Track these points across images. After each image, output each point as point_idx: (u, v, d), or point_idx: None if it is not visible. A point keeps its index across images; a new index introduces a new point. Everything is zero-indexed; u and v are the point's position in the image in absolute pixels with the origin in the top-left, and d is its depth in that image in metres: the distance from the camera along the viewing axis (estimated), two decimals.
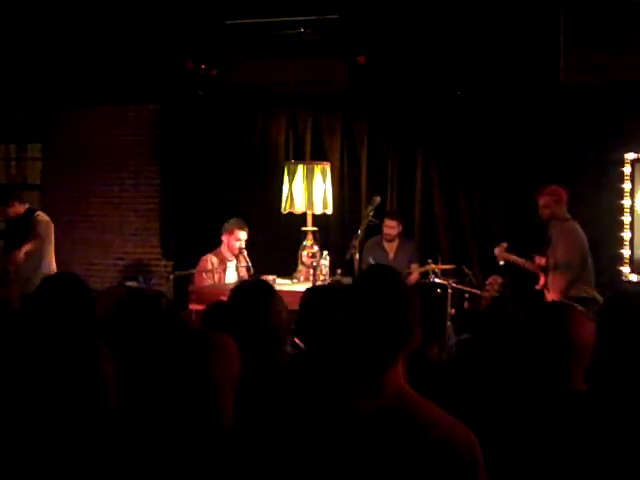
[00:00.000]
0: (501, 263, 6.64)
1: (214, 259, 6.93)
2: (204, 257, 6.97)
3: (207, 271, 6.85)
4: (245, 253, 6.89)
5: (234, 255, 6.97)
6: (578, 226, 6.28)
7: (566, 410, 2.34)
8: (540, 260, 6.44)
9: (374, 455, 1.84)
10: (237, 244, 6.91)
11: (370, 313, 1.93)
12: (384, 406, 1.88)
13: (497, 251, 6.63)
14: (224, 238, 6.99)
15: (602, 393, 2.49)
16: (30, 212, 7.15)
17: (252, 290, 3.10)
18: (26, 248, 6.90)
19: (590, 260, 6.27)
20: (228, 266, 7.00)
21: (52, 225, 7.25)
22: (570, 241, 6.18)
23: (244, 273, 6.94)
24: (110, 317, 3.46)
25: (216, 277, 6.90)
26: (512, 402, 2.28)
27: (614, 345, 2.83)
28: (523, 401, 2.30)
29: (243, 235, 6.94)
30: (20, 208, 7.08)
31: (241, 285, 3.19)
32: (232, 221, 7.02)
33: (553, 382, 2.41)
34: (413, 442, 1.82)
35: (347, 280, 5.97)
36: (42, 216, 7.21)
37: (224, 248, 7.00)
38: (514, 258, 6.54)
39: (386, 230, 7.37)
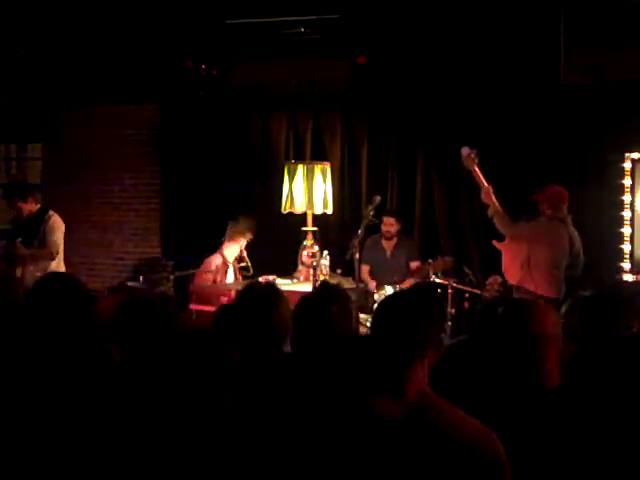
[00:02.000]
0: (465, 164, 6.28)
1: (218, 260, 6.91)
2: (209, 258, 6.95)
3: (209, 272, 6.86)
4: (245, 253, 6.91)
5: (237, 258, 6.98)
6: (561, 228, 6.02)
7: (537, 407, 2.33)
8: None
9: (395, 456, 1.84)
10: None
11: (392, 316, 2.02)
12: (406, 408, 1.89)
13: (465, 151, 6.29)
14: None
15: (575, 389, 2.48)
16: (43, 211, 7.05)
17: (259, 292, 3.11)
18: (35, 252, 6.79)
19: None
20: (229, 271, 7.01)
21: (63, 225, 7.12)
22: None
23: (238, 273, 6.97)
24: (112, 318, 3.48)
25: (218, 278, 6.90)
26: (490, 402, 2.28)
27: (594, 342, 2.83)
28: (498, 401, 2.31)
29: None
30: (34, 207, 6.99)
31: (248, 287, 3.19)
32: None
33: (523, 379, 2.41)
34: (435, 444, 1.84)
35: (340, 280, 5.95)
36: (55, 215, 7.07)
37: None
38: (476, 169, 6.25)
39: (385, 228, 7.39)
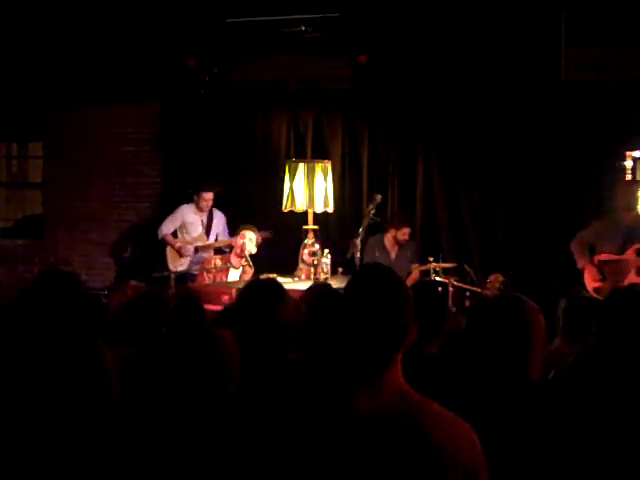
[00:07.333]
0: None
1: (218, 262, 6.94)
2: (209, 258, 7.05)
3: (208, 271, 6.87)
4: (246, 252, 6.89)
5: (241, 255, 6.94)
6: None
7: (524, 400, 2.33)
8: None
9: (373, 454, 1.82)
10: (240, 241, 6.92)
11: (366, 311, 1.91)
12: (384, 404, 1.87)
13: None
14: (233, 243, 7.06)
15: (565, 383, 2.49)
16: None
17: (261, 288, 3.07)
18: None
19: None
20: (231, 271, 6.99)
21: None
22: None
23: (248, 274, 6.94)
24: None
25: (217, 278, 6.88)
26: (479, 396, 2.27)
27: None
28: (485, 394, 2.30)
29: (249, 234, 6.93)
30: None
31: (250, 284, 3.15)
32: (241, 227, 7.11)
33: (511, 372, 2.41)
34: (413, 441, 1.81)
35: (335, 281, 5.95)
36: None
37: (233, 253, 7.04)
38: None
39: (401, 237, 7.35)
